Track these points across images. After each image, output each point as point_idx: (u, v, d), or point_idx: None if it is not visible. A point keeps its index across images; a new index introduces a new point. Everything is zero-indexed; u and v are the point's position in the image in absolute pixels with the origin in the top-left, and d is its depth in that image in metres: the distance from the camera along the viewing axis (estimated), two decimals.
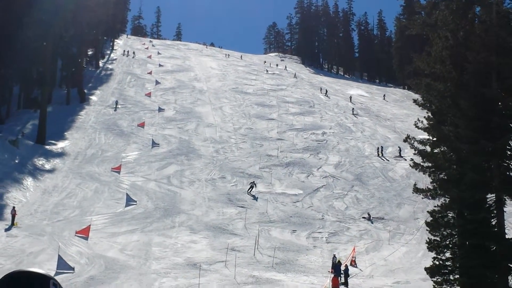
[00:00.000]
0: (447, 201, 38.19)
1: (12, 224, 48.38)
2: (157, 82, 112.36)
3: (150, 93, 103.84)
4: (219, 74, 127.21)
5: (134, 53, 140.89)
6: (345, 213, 60.89)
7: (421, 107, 42.17)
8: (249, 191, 62.75)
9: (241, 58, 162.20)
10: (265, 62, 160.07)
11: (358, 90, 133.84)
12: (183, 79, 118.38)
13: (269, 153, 76.53)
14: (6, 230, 47.30)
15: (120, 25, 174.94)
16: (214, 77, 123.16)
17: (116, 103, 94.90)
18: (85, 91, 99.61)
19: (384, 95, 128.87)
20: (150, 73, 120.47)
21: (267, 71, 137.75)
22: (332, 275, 41.03)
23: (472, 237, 35.53)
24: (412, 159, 41.33)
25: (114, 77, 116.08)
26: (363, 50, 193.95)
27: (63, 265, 39.34)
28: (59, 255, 40.20)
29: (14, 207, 50.28)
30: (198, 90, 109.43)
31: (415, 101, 43.00)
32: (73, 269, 39.75)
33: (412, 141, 39.73)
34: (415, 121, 41.04)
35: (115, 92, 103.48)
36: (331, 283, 40.01)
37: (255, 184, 63.50)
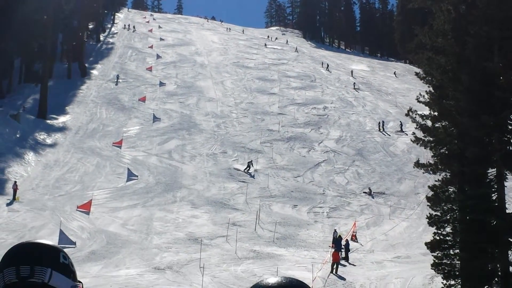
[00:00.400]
0: (448, 176, 38.23)
1: (14, 198, 48.50)
2: (158, 56, 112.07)
3: (151, 67, 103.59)
4: (220, 48, 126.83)
5: (134, 27, 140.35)
6: (346, 188, 60.96)
7: (422, 81, 42.08)
8: (245, 170, 61.95)
9: (243, 33, 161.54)
10: (268, 36, 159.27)
11: (360, 65, 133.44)
12: (184, 53, 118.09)
13: (270, 128, 76.48)
14: (8, 204, 47.42)
15: None
16: (215, 51, 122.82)
17: (117, 77, 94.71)
18: (86, 65, 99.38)
19: (395, 72, 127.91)
20: (151, 47, 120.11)
21: (265, 44, 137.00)
22: (333, 250, 41.10)
23: (473, 212, 35.55)
24: (413, 133, 41.24)
25: (115, 51, 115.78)
26: (364, 24, 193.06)
27: (64, 240, 39.46)
28: (60, 230, 40.32)
29: (15, 182, 50.39)
30: (199, 64, 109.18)
31: (417, 74, 42.89)
32: (74, 243, 39.90)
33: (414, 115, 39.68)
34: (417, 96, 40.97)
35: (116, 66, 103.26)
36: (331, 258, 40.10)
37: (251, 164, 62.59)
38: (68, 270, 2.46)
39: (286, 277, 2.31)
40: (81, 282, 2.55)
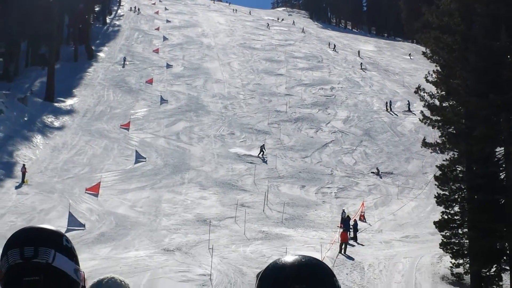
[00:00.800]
0: (455, 155, 38.25)
1: (23, 181, 48.71)
2: (164, 38, 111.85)
3: (158, 49, 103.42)
4: (226, 30, 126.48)
5: (139, 9, 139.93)
6: (354, 168, 60.98)
7: (429, 60, 42.00)
8: (259, 155, 61.06)
9: (250, 14, 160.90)
10: (278, 18, 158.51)
11: (367, 45, 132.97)
12: (190, 34, 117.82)
13: (277, 109, 76.45)
14: (17, 187, 47.65)
15: None
16: (222, 33, 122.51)
17: (124, 59, 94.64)
18: (93, 47, 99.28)
19: (410, 54, 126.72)
20: (158, 29, 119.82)
21: (268, 24, 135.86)
22: (341, 230, 41.19)
23: (481, 191, 35.59)
24: (421, 111, 41.20)
25: (121, 33, 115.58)
26: (371, 3, 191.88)
27: (73, 222, 39.69)
28: (69, 212, 40.53)
29: (24, 165, 50.57)
30: (206, 46, 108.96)
31: (424, 53, 42.80)
32: (83, 225, 40.10)
33: (422, 93, 39.64)
34: (426, 75, 40.90)
35: (122, 48, 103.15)
36: (340, 238, 40.20)
37: (264, 148, 61.68)
38: (71, 253, 2.49)
39: (304, 255, 2.29)
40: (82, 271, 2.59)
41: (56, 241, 2.45)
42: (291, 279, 2.16)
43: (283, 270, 2.20)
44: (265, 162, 59.75)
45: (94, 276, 2.93)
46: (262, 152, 60.91)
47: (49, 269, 2.39)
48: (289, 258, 2.24)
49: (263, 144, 62.03)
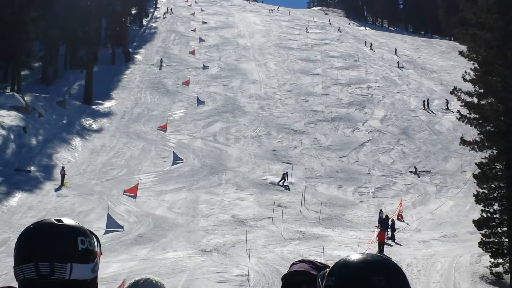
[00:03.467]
0: (494, 153, 37.84)
1: (62, 184, 49.19)
2: (201, 40, 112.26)
3: (194, 50, 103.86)
4: (262, 30, 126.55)
5: (171, 10, 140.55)
6: (391, 167, 60.65)
7: (467, 59, 41.58)
8: (281, 183, 54.25)
9: (289, 14, 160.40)
10: (314, 19, 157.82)
11: (405, 44, 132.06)
12: (226, 35, 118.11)
13: (314, 109, 76.31)
14: (56, 190, 48.14)
15: None
16: (258, 33, 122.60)
17: (161, 61, 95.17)
18: (130, 50, 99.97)
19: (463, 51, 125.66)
20: (194, 30, 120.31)
21: (306, 29, 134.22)
22: (379, 230, 41.01)
23: None
24: (459, 111, 40.84)
25: (158, 35, 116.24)
26: (408, 1, 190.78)
27: (112, 224, 39.99)
28: (108, 214, 40.83)
29: (63, 167, 51.09)
30: (242, 47, 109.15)
31: (460, 52, 42.38)
32: (122, 227, 40.37)
33: (459, 93, 39.27)
34: (463, 74, 40.50)
35: (159, 50, 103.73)
36: (377, 238, 40.02)
37: (287, 176, 54.63)
38: (87, 255, 2.45)
39: (370, 253, 2.33)
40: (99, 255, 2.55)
41: (71, 250, 2.41)
42: (368, 271, 2.20)
43: (358, 264, 2.24)
44: (288, 189, 53.35)
45: (133, 277, 2.94)
46: (283, 180, 54.29)
47: (67, 283, 2.39)
48: (359, 255, 2.29)
49: (286, 172, 55.18)
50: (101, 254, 2.58)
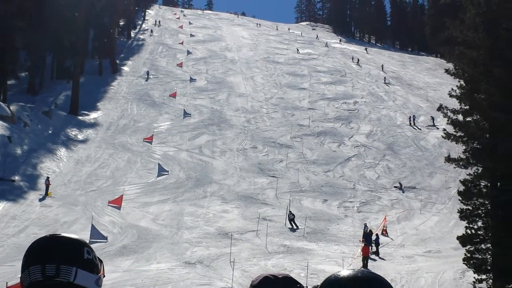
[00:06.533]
0: (479, 171, 37.96)
1: (46, 194, 49.03)
2: (188, 52, 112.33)
3: (181, 63, 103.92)
4: (250, 44, 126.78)
5: (159, 22, 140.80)
6: (376, 183, 60.76)
7: (453, 76, 41.80)
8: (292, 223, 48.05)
9: (277, 29, 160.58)
10: (301, 34, 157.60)
11: (391, 60, 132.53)
12: (214, 49, 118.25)
13: (300, 123, 76.42)
14: (41, 200, 47.95)
15: None
16: (246, 47, 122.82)
17: (148, 73, 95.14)
18: (117, 61, 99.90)
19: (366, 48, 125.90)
20: (182, 43, 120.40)
21: (297, 50, 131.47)
22: (363, 245, 41.07)
23: (505, 207, 35.30)
24: (444, 129, 41.03)
25: (145, 47, 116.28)
26: (395, 18, 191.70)
27: (96, 235, 39.83)
28: (92, 225, 40.69)
29: (48, 177, 50.91)
30: (229, 60, 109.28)
31: (447, 70, 42.60)
32: (106, 238, 40.23)
33: (445, 110, 39.45)
34: (449, 91, 40.71)
35: (146, 62, 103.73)
36: (362, 252, 40.06)
37: (293, 215, 48.52)
38: (92, 265, 2.50)
39: (361, 270, 2.31)
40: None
41: (77, 256, 2.46)
42: None
43: (349, 281, 2.21)
44: (296, 227, 47.53)
45: None
46: (293, 221, 48.12)
47: (71, 287, 2.42)
48: (350, 271, 2.27)
49: (290, 212, 48.99)
50: (104, 276, 2.62)
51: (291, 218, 48.09)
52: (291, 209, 49.58)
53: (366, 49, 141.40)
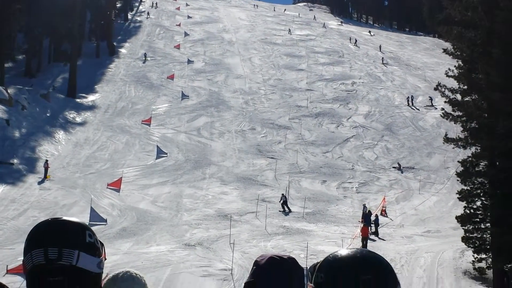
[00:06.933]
0: (478, 150, 37.98)
1: (45, 177, 49.03)
2: (186, 34, 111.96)
3: (179, 45, 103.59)
4: (247, 25, 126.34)
5: (156, 4, 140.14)
6: (375, 163, 60.81)
7: (451, 56, 41.70)
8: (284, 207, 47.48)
9: (274, 10, 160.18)
10: (299, 15, 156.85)
11: (389, 40, 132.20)
12: (211, 30, 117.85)
13: (298, 104, 76.36)
14: (39, 183, 47.97)
15: None
16: (243, 28, 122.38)
17: (145, 55, 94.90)
18: (115, 43, 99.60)
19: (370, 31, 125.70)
20: (179, 25, 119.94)
21: (289, 30, 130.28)
22: (362, 225, 41.13)
23: (504, 186, 35.35)
24: (443, 108, 40.99)
25: (143, 29, 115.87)
26: None
27: (95, 217, 39.87)
28: (91, 207, 40.74)
29: (46, 160, 50.89)
30: (227, 42, 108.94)
31: (445, 50, 42.49)
32: (105, 221, 40.28)
33: (443, 89, 39.40)
34: (446, 70, 40.64)
35: (144, 44, 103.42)
36: (361, 233, 40.14)
37: (285, 198, 48.09)
38: (94, 248, 2.52)
39: (360, 249, 2.32)
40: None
41: (79, 240, 2.48)
42: (357, 269, 2.19)
43: (347, 261, 2.22)
44: (289, 211, 46.88)
45: (115, 271, 2.95)
46: (285, 205, 47.62)
47: (73, 269, 2.43)
48: (349, 251, 2.28)
49: (283, 195, 48.28)
50: (105, 259, 2.65)
51: (284, 201, 47.51)
52: (289, 191, 49.66)
53: (370, 31, 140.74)
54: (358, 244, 39.01)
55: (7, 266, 30.38)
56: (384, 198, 50.17)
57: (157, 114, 69.48)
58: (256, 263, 3.04)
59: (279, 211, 46.81)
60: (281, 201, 47.64)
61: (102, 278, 2.66)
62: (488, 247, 36.24)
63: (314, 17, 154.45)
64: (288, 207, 47.41)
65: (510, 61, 35.62)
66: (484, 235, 36.66)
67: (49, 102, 67.65)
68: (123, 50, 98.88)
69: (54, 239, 2.43)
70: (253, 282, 2.91)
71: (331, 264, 2.24)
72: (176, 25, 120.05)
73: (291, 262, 3.05)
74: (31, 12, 73.96)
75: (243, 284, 2.96)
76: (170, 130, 65.10)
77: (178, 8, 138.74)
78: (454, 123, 41.70)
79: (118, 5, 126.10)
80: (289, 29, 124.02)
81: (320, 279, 2.23)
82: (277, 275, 2.96)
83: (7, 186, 46.26)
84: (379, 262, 2.23)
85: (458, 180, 39.56)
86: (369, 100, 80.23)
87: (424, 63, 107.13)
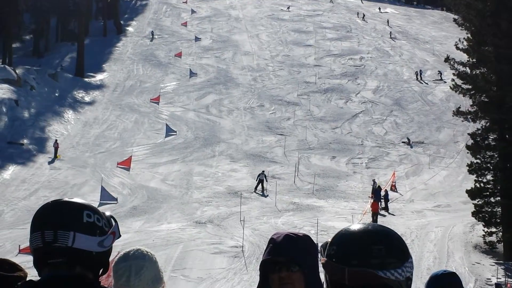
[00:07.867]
0: (488, 124, 37.89)
1: (55, 156, 49.24)
2: (192, 11, 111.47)
3: (186, 22, 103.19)
4: (254, 1, 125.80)
5: None
6: (384, 138, 60.74)
7: (460, 27, 41.50)
8: (257, 190, 45.31)
9: None
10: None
11: (394, 12, 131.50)
12: (218, 7, 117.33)
13: (307, 80, 76.16)
14: (50, 163, 48.19)
15: None
16: (250, 4, 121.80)
17: (153, 33, 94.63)
18: (121, 22, 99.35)
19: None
20: (186, 2, 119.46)
21: (288, 8, 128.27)
22: (372, 200, 41.18)
23: None
24: (453, 79, 40.80)
25: (149, 7, 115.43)
26: None
27: (106, 196, 40.06)
28: (102, 186, 40.91)
29: (56, 140, 51.08)
30: (234, 18, 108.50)
31: (455, 20, 42.29)
32: (116, 199, 40.47)
33: (452, 62, 39.22)
34: (456, 42, 40.44)
35: (151, 22, 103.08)
36: (371, 208, 40.18)
37: (265, 177, 45.66)
38: (93, 228, 2.52)
39: (371, 223, 2.37)
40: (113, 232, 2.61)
41: (75, 221, 2.49)
42: (369, 240, 2.23)
43: (359, 233, 2.27)
44: (265, 196, 44.74)
45: (127, 249, 2.96)
46: (261, 184, 45.48)
47: (71, 251, 2.45)
48: (361, 225, 2.33)
49: (263, 172, 46.26)
50: (120, 236, 2.66)
51: (261, 179, 45.14)
52: (298, 167, 49.73)
53: (379, 8, 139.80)
54: (368, 219, 39.06)
55: (19, 246, 30.61)
56: (393, 173, 50.14)
57: (165, 92, 69.45)
58: (272, 240, 3.08)
59: (254, 192, 44.92)
60: (257, 179, 45.49)
61: (113, 255, 2.67)
62: (498, 220, 36.26)
63: None
64: (263, 187, 45.16)
65: None
66: (494, 209, 36.66)
67: (57, 82, 67.72)
68: (130, 29, 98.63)
69: (50, 222, 2.47)
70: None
71: (344, 237, 2.28)
72: (183, 2, 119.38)
73: (306, 239, 3.13)
74: None
75: (259, 262, 3.01)
76: (179, 108, 65.12)
77: None
78: (463, 96, 41.57)
79: None
80: (288, 7, 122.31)
81: (332, 251, 2.27)
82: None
83: (18, 166, 46.51)
84: (391, 235, 2.28)
85: (468, 153, 39.50)
86: (378, 75, 79.94)
87: (433, 36, 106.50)
